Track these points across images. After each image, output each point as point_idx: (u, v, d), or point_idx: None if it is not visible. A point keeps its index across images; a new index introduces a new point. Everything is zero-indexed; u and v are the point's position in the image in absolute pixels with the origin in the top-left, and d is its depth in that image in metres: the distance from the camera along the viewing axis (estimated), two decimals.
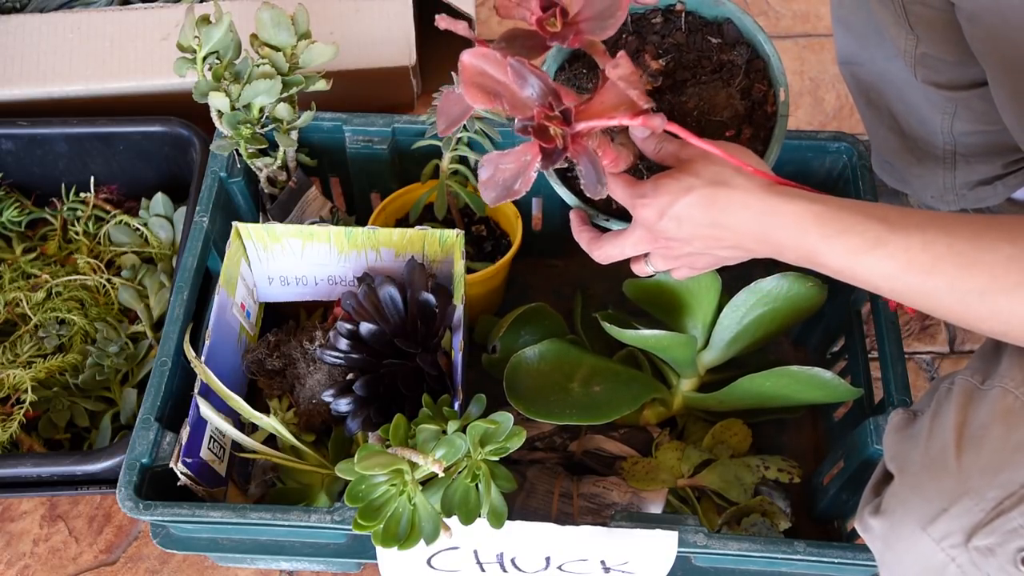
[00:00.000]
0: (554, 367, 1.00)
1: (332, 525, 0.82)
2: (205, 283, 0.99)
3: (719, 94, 0.81)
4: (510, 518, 0.80)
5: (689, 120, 0.80)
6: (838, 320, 1.04)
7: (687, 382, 1.03)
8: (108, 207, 1.22)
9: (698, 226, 0.71)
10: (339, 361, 0.93)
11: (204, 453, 0.89)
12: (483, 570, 0.88)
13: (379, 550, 0.83)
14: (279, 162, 1.05)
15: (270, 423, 0.91)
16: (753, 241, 0.71)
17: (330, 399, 0.90)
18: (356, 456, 0.76)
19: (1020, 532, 0.60)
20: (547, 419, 0.94)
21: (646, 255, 0.80)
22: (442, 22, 0.71)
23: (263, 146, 1.01)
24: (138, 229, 1.19)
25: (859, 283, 0.67)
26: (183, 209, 1.17)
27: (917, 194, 1.14)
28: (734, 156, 0.70)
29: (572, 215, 0.84)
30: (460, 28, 0.71)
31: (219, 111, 0.97)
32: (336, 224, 1.05)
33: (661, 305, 1.01)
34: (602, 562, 0.85)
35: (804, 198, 0.68)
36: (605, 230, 0.82)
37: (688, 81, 0.82)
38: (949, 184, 1.07)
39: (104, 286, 1.14)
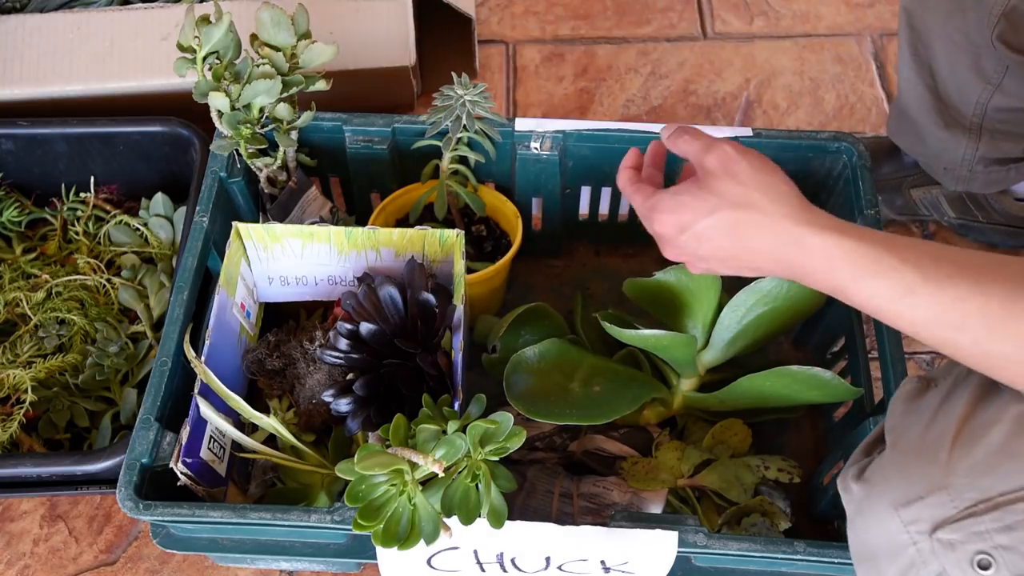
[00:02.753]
0: (554, 367, 1.00)
1: (332, 525, 0.82)
2: (205, 283, 0.99)
3: None
4: (510, 518, 0.80)
5: None
6: (838, 320, 1.04)
7: (687, 382, 1.03)
8: (108, 207, 1.22)
9: (719, 248, 0.72)
10: (339, 361, 0.93)
11: (204, 453, 0.89)
12: (483, 570, 0.88)
13: (379, 550, 0.83)
14: (279, 162, 1.05)
15: (270, 423, 0.91)
16: (776, 266, 0.70)
17: (330, 399, 0.90)
18: (356, 456, 0.76)
19: (984, 537, 0.60)
20: (547, 419, 0.94)
21: None
22: None
23: (263, 146, 1.01)
24: (138, 229, 1.19)
25: (884, 322, 0.67)
26: (183, 209, 1.17)
27: (930, 162, 1.15)
28: (760, 172, 0.70)
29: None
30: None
31: (219, 111, 0.97)
32: (336, 224, 1.05)
33: (661, 305, 1.01)
34: (602, 562, 0.85)
35: (833, 230, 0.67)
36: None
37: None
38: (968, 157, 1.08)
39: (104, 286, 1.14)
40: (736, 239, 0.70)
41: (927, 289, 0.63)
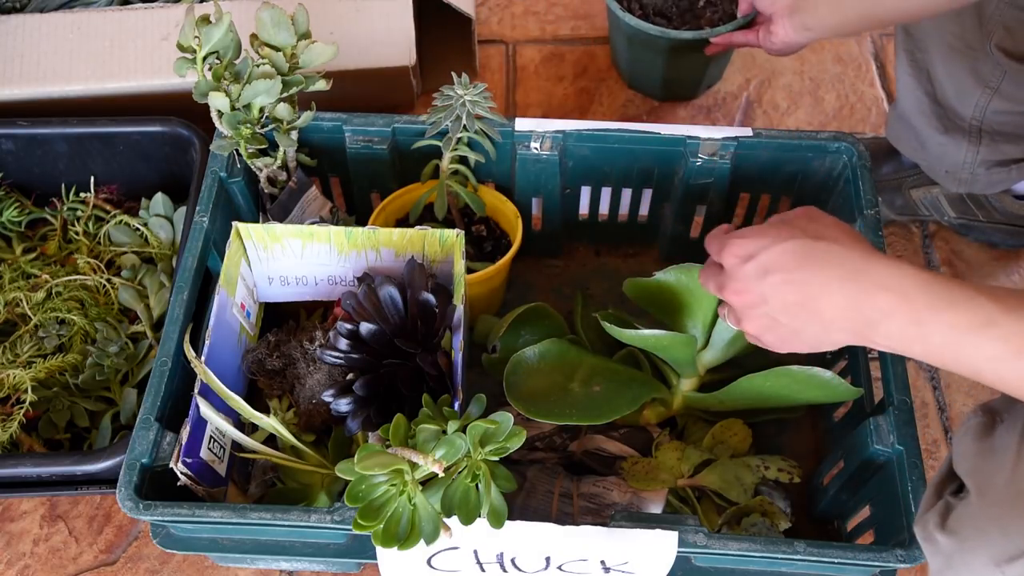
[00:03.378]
0: (554, 367, 1.00)
1: (332, 525, 0.82)
2: (205, 283, 0.99)
3: None
4: (510, 518, 0.80)
5: None
6: None
7: (687, 382, 1.03)
8: (108, 207, 1.22)
9: (785, 281, 0.66)
10: (339, 361, 0.93)
11: (204, 453, 0.89)
12: (483, 570, 0.88)
13: (379, 550, 0.83)
14: (279, 162, 1.05)
15: (270, 423, 0.91)
16: (841, 307, 0.64)
17: (330, 399, 0.90)
18: (356, 456, 0.76)
19: None
20: (547, 419, 0.94)
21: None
22: None
23: (263, 146, 1.01)
24: (138, 229, 1.19)
25: (960, 366, 0.60)
26: (183, 209, 1.17)
27: (931, 166, 1.15)
28: (839, 221, 0.68)
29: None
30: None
31: (219, 111, 0.97)
32: (336, 224, 1.05)
33: (661, 305, 1.01)
34: (602, 562, 0.85)
35: (906, 263, 0.63)
36: None
37: None
38: (968, 160, 1.07)
39: (104, 286, 1.14)
40: (803, 265, 0.65)
41: (1008, 319, 0.58)
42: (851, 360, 1.01)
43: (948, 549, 0.65)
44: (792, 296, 0.67)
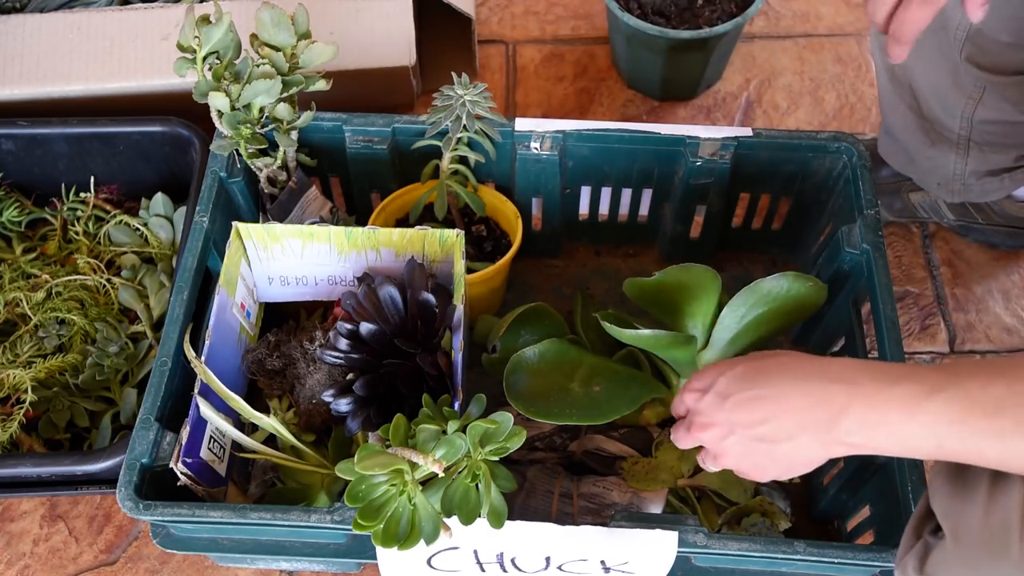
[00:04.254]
0: (554, 367, 1.00)
1: (332, 525, 0.82)
2: (205, 283, 0.99)
3: None
4: (510, 518, 0.80)
5: None
6: (838, 320, 1.04)
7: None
8: (108, 207, 1.22)
9: (740, 402, 0.68)
10: (339, 361, 0.93)
11: (204, 453, 0.89)
12: (483, 570, 0.88)
13: (379, 550, 0.83)
14: (279, 162, 1.05)
15: (270, 423, 0.91)
16: (800, 410, 0.65)
17: (330, 399, 0.90)
18: (356, 456, 0.76)
19: None
20: (547, 419, 0.94)
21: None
22: None
23: (263, 146, 1.01)
24: (138, 229, 1.19)
25: (917, 440, 0.60)
26: (183, 209, 1.17)
27: (923, 179, 1.15)
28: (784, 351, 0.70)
29: None
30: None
31: (219, 111, 0.97)
32: (336, 224, 1.05)
33: (661, 305, 1.01)
34: (602, 562, 0.85)
35: (853, 359, 0.65)
36: None
37: None
38: (959, 171, 1.07)
39: (104, 286, 1.14)
40: (759, 382, 0.67)
41: (951, 382, 0.58)
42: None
43: None
44: (753, 413, 0.67)
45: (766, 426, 0.67)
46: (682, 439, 0.76)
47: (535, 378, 0.98)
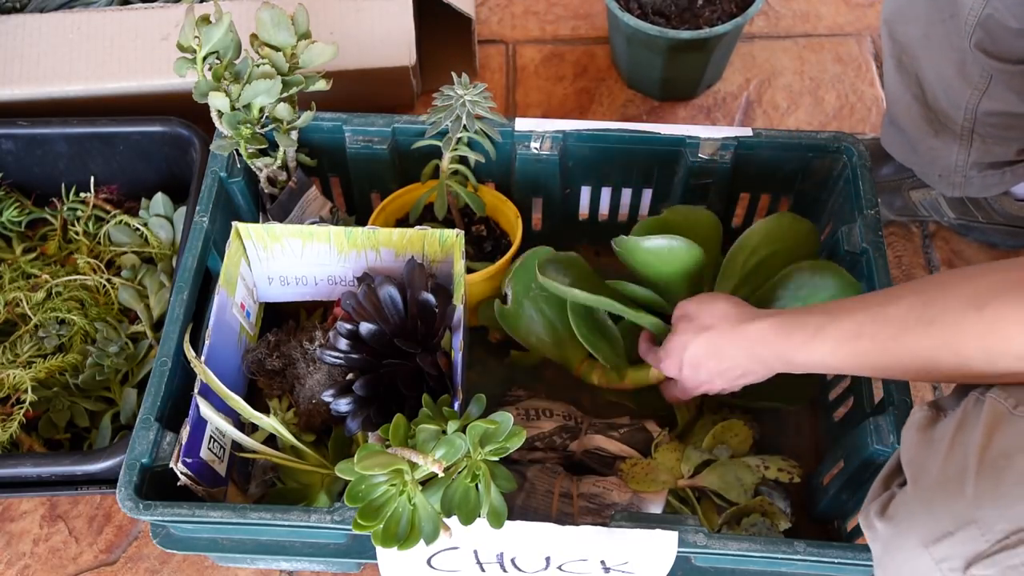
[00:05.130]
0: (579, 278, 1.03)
1: (332, 525, 0.82)
2: (205, 283, 0.99)
3: None
4: (510, 518, 0.80)
5: None
6: None
7: None
8: (108, 207, 1.22)
9: (711, 369, 0.87)
10: (339, 361, 0.93)
11: (204, 453, 0.89)
12: (483, 570, 0.88)
13: (379, 550, 0.83)
14: (279, 162, 1.05)
15: (270, 423, 0.91)
16: (752, 364, 0.84)
17: (330, 399, 0.90)
18: (356, 456, 0.76)
19: (1020, 570, 0.59)
20: (587, 300, 0.97)
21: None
22: None
23: (263, 146, 1.01)
24: (138, 229, 1.19)
25: (816, 366, 0.78)
26: (183, 209, 1.17)
27: (924, 170, 1.15)
28: (703, 301, 0.89)
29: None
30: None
31: (219, 111, 0.97)
32: (336, 224, 1.05)
33: (657, 266, 1.00)
34: (602, 562, 0.85)
35: (766, 315, 0.82)
36: None
37: None
38: (960, 163, 1.08)
39: (104, 286, 1.14)
40: (715, 357, 0.86)
41: (831, 321, 0.75)
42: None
43: (885, 535, 0.67)
44: (729, 374, 0.88)
45: (734, 374, 0.88)
46: (679, 396, 0.98)
47: (563, 275, 1.02)
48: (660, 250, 0.96)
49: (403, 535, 0.77)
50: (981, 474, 0.62)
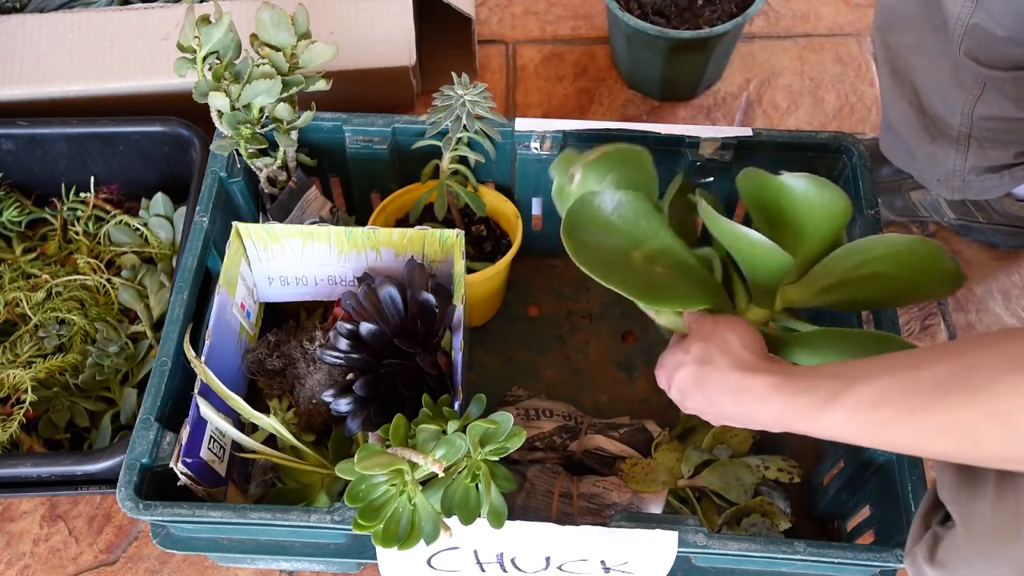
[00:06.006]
0: (627, 224, 0.87)
1: (332, 525, 0.82)
2: (205, 283, 0.99)
3: None
4: (510, 518, 0.80)
5: None
6: (838, 321, 1.04)
7: (756, 311, 0.89)
8: (108, 207, 1.22)
9: (699, 405, 0.80)
10: (339, 361, 0.93)
11: (204, 453, 0.89)
12: (483, 570, 0.88)
13: (379, 550, 0.83)
14: (279, 162, 1.05)
15: (270, 423, 0.91)
16: (742, 419, 0.76)
17: (330, 399, 0.90)
18: (356, 456, 0.76)
19: None
20: (602, 279, 0.82)
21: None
22: None
23: (263, 146, 1.01)
24: (138, 229, 1.19)
25: (822, 435, 0.68)
26: (183, 209, 1.17)
27: (923, 175, 1.15)
28: (720, 327, 0.79)
29: None
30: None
31: (219, 111, 0.97)
32: (336, 224, 1.05)
33: (770, 211, 0.88)
34: (602, 562, 0.85)
35: (768, 372, 0.73)
36: None
37: None
38: (958, 168, 1.07)
39: (104, 286, 1.14)
40: (704, 397, 0.78)
41: (844, 389, 0.64)
42: None
43: None
44: (710, 412, 0.80)
45: (716, 412, 0.80)
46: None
47: (599, 229, 0.86)
48: (738, 237, 0.81)
49: (403, 535, 0.78)
50: None
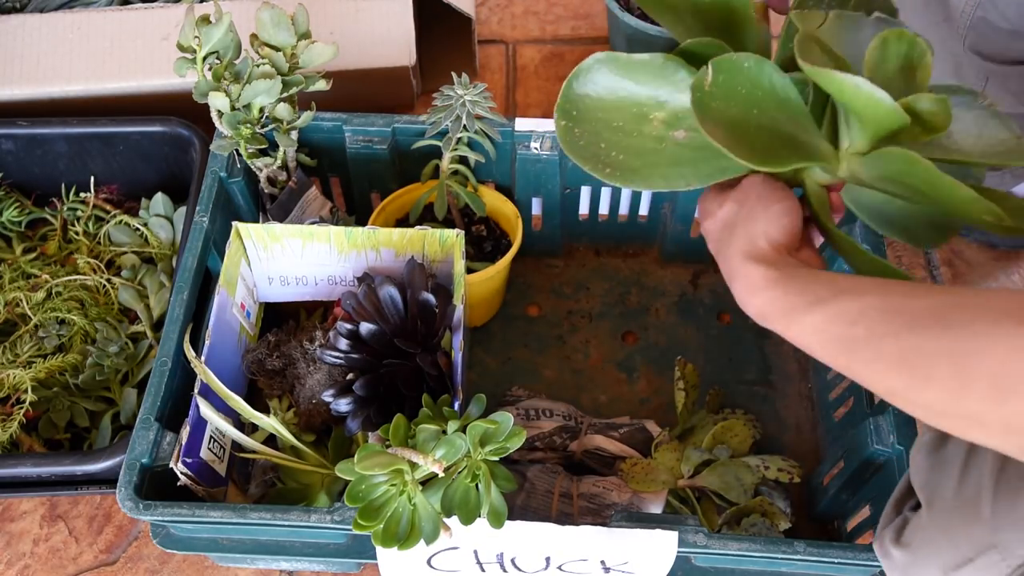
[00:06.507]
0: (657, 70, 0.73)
1: (332, 525, 0.82)
2: (205, 283, 0.99)
3: None
4: (510, 518, 0.80)
5: None
6: None
7: (850, 160, 0.71)
8: (108, 207, 1.22)
9: (712, 249, 0.74)
10: (339, 361, 0.93)
11: (204, 453, 0.89)
12: (483, 570, 0.88)
13: (379, 550, 0.83)
14: (279, 162, 1.05)
15: (270, 423, 0.91)
16: (733, 290, 0.70)
17: (330, 399, 0.90)
18: (356, 456, 0.76)
19: None
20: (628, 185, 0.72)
21: None
22: None
23: (263, 146, 1.01)
24: (138, 229, 1.19)
25: (795, 340, 0.63)
26: (183, 209, 1.17)
27: None
28: (765, 204, 0.70)
29: None
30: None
31: (219, 111, 0.97)
32: (336, 224, 1.05)
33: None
34: (602, 562, 0.85)
35: (770, 265, 0.67)
36: None
37: None
38: None
39: (104, 286, 1.14)
40: (715, 250, 0.73)
41: (833, 298, 0.59)
42: None
43: (902, 562, 0.66)
44: (714, 249, 0.74)
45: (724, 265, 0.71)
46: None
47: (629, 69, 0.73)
48: (842, 83, 0.63)
49: (403, 535, 0.78)
50: (998, 497, 0.60)
